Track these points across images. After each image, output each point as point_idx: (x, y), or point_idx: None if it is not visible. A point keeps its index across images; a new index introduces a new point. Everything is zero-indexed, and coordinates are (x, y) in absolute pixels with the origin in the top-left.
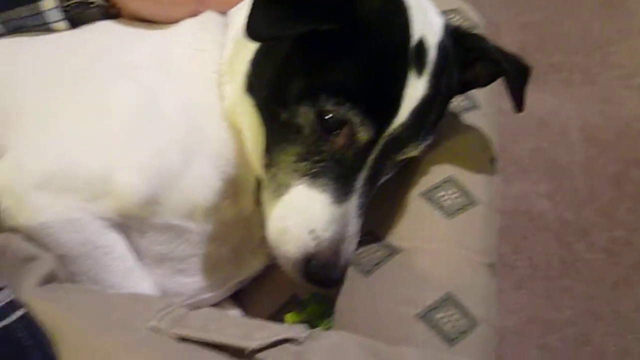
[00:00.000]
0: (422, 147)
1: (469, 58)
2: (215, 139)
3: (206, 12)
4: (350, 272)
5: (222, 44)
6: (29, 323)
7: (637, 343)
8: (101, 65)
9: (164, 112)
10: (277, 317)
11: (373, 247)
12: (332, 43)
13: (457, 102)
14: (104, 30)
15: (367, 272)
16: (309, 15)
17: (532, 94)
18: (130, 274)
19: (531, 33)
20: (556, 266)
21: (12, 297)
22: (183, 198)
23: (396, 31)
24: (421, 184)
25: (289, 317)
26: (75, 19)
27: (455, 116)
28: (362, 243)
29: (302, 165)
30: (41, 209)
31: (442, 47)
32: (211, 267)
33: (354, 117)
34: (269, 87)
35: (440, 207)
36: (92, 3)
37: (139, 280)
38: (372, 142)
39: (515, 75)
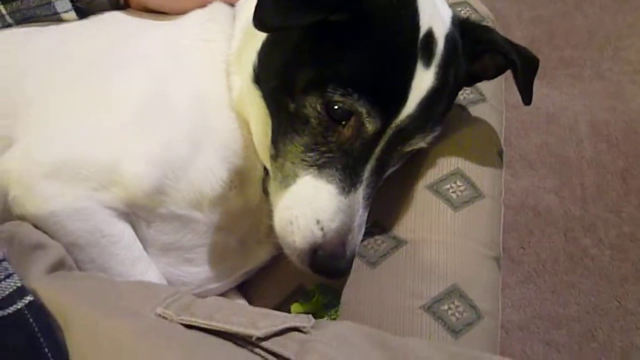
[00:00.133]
0: (429, 138)
1: (477, 50)
2: (223, 130)
3: (214, 3)
4: (356, 263)
5: (230, 35)
6: (37, 309)
7: None
8: (110, 56)
9: (172, 103)
10: (283, 307)
11: (379, 238)
12: (340, 34)
13: (464, 95)
14: (112, 21)
15: (373, 264)
16: (317, 5)
17: (541, 88)
18: (137, 262)
19: (541, 27)
20: (563, 262)
21: (20, 283)
22: (190, 188)
23: (404, 22)
24: (428, 176)
25: (294, 307)
26: (84, 9)
27: (462, 109)
28: (368, 234)
29: (309, 155)
30: (50, 198)
31: (450, 39)
32: (218, 257)
33: (361, 108)
34: (277, 77)
35: (447, 200)
36: None
37: (146, 269)
38: (379, 133)
39: (524, 67)
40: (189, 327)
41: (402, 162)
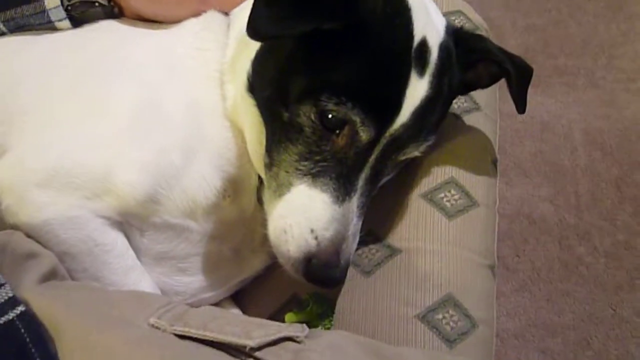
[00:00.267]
0: (423, 147)
1: (471, 59)
2: (216, 138)
3: (209, 12)
4: (351, 272)
5: (224, 44)
6: (29, 319)
7: (639, 347)
8: (103, 64)
9: (165, 111)
10: (277, 316)
11: (374, 247)
12: (334, 42)
13: (458, 104)
14: (106, 30)
15: (368, 273)
16: (311, 14)
17: (535, 97)
18: (130, 272)
19: (535, 36)
20: (557, 270)
21: (12, 293)
22: (184, 197)
23: (398, 31)
24: (422, 185)
25: (288, 316)
26: (78, 17)
27: (456, 117)
28: (362, 243)
29: (304, 164)
30: (42, 207)
31: (444, 48)
32: (212, 266)
33: (355, 117)
34: (271, 86)
35: (441, 209)
36: (95, 2)
37: (139, 278)
38: (373, 142)
39: (518, 76)
40: (182, 337)
41: (397, 171)
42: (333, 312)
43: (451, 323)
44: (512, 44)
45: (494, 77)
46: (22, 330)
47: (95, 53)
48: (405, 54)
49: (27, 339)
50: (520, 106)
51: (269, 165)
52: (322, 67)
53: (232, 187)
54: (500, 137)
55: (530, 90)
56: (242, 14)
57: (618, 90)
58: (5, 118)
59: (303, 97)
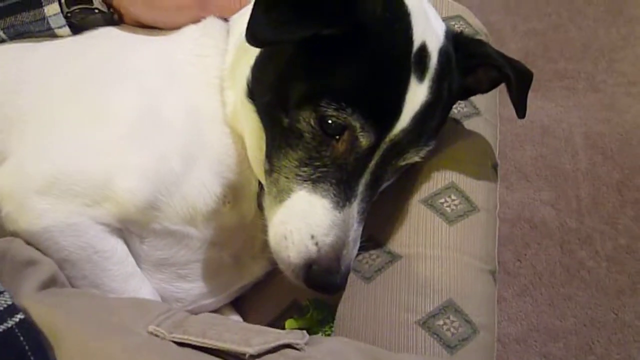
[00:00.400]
0: (423, 152)
1: (471, 64)
2: (216, 145)
3: (208, 18)
4: (351, 278)
5: (224, 50)
6: (28, 327)
7: None
8: (103, 71)
9: (165, 118)
10: (277, 323)
11: (374, 253)
12: (334, 48)
13: (458, 109)
14: (106, 37)
15: (368, 279)
16: (310, 20)
17: (536, 101)
18: (130, 278)
19: (535, 40)
20: (559, 274)
21: (11, 301)
22: (183, 203)
23: (397, 37)
24: (422, 190)
25: (289, 323)
26: (78, 24)
27: (456, 122)
28: (363, 249)
29: (304, 170)
30: (42, 214)
31: (443, 53)
32: (212, 272)
33: (355, 122)
34: (271, 92)
35: (442, 214)
36: (94, 9)
37: (139, 285)
38: (373, 148)
39: (518, 81)
40: (182, 344)
41: (397, 176)
42: (333, 319)
43: (452, 329)
44: (512, 48)
45: (493, 82)
46: (21, 338)
47: (95, 60)
48: (404, 59)
49: (26, 347)
50: (520, 111)
51: (269, 171)
52: (322, 73)
53: (232, 193)
54: (500, 141)
55: (530, 95)
56: (242, 20)
57: (618, 94)
58: (5, 125)
59: (303, 102)
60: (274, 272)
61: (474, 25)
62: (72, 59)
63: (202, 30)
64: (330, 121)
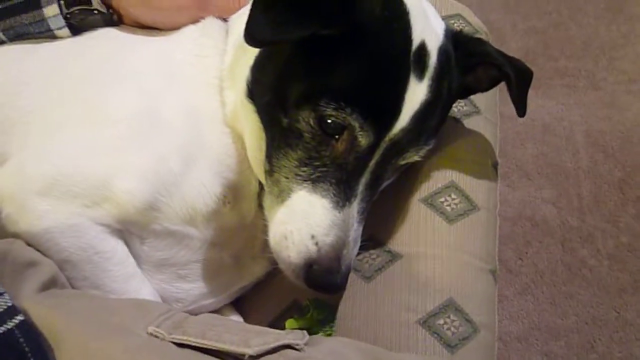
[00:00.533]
0: (423, 151)
1: (471, 62)
2: (216, 145)
3: (207, 19)
4: (352, 278)
5: (223, 50)
6: (28, 329)
7: None
8: (103, 72)
9: (165, 118)
10: (278, 323)
11: (374, 252)
12: (332, 47)
13: (458, 107)
14: (105, 38)
15: (368, 278)
16: (308, 20)
17: (536, 99)
18: (130, 279)
19: (535, 38)
20: (561, 272)
21: (11, 303)
22: (183, 204)
23: (396, 35)
24: (422, 189)
25: (289, 323)
26: (78, 25)
27: (456, 121)
28: (363, 248)
29: (303, 170)
30: (42, 215)
31: (443, 52)
32: (212, 273)
33: (354, 122)
34: (270, 92)
35: (442, 213)
36: (94, 10)
37: (140, 285)
38: (372, 147)
39: (518, 79)
40: (181, 345)
41: (397, 175)
42: (334, 318)
43: (452, 328)
44: (512, 47)
45: (493, 81)
46: (21, 340)
47: (94, 61)
48: (404, 58)
49: (26, 349)
50: (521, 109)
51: (269, 171)
52: (321, 72)
53: (232, 193)
54: (501, 139)
55: (531, 93)
56: (241, 20)
57: (619, 92)
58: (6, 126)
59: (302, 102)
60: (274, 272)
61: (474, 23)
62: (72, 60)
63: (202, 30)
64: (329, 121)
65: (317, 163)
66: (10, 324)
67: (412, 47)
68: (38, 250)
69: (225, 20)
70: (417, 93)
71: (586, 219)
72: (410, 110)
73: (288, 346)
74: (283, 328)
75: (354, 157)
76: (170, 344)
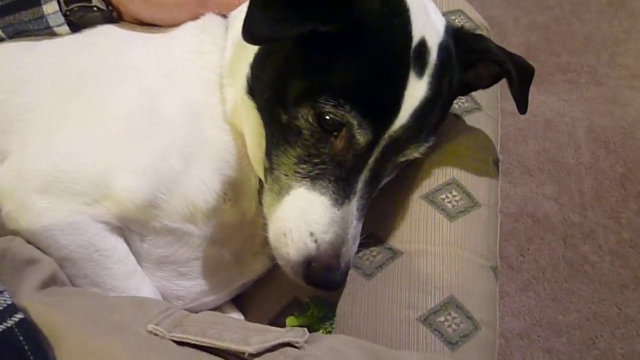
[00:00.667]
0: (423, 148)
1: (472, 59)
2: (216, 142)
3: (207, 15)
4: (352, 275)
5: (223, 47)
6: (27, 327)
7: None
8: (102, 69)
9: (164, 115)
10: (279, 320)
11: (375, 249)
12: (332, 44)
13: (459, 104)
14: (105, 35)
15: (369, 275)
16: (307, 16)
17: (538, 95)
18: (130, 277)
19: (537, 34)
20: (562, 269)
21: (10, 301)
22: (183, 201)
23: (396, 32)
24: (423, 186)
25: (289, 320)
26: (77, 22)
27: (457, 117)
28: (363, 246)
29: (302, 167)
30: (42, 213)
31: (443, 48)
32: (212, 270)
33: (352, 120)
34: (270, 89)
35: (443, 210)
36: (93, 7)
37: (140, 283)
38: (371, 145)
39: (519, 76)
40: (181, 343)
41: (397, 172)
42: (334, 315)
43: (453, 325)
44: (514, 42)
45: (494, 78)
46: (21, 338)
47: (94, 58)
48: (403, 54)
49: (26, 347)
50: (522, 106)
51: (269, 168)
52: (320, 69)
53: (233, 190)
54: (503, 135)
55: (533, 89)
56: (241, 16)
57: (621, 88)
58: (5, 124)
59: (301, 99)
60: (274, 269)
61: (475, 19)
62: (71, 57)
63: (201, 27)
64: (328, 118)
65: (316, 160)
66: (9, 322)
67: (412, 44)
68: (38, 248)
69: (225, 16)
70: (417, 90)
71: (588, 215)
72: (409, 108)
73: (288, 344)
74: (283, 325)
75: (353, 154)
76: (170, 342)
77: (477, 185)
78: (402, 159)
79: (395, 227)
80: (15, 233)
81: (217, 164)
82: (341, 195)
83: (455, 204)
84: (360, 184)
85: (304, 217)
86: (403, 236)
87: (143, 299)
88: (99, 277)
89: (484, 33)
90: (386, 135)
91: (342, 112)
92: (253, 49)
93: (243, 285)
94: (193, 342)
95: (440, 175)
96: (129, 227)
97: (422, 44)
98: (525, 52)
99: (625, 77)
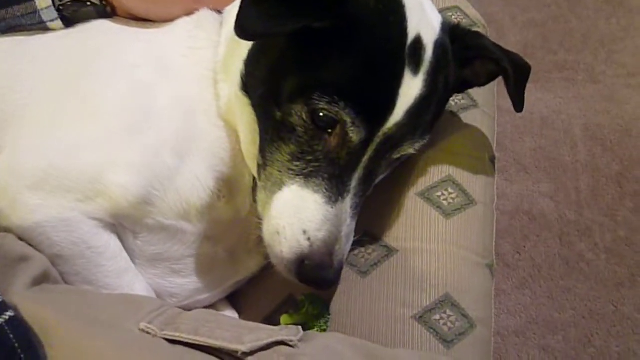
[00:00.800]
0: (418, 145)
1: (468, 56)
2: (210, 138)
3: (202, 10)
4: (347, 273)
5: (217, 42)
6: (17, 325)
7: None
8: (95, 65)
9: (158, 112)
10: (273, 317)
11: (370, 247)
12: (326, 40)
13: (455, 101)
14: (99, 30)
15: (364, 273)
16: (300, 12)
17: (535, 92)
18: (123, 274)
19: (534, 31)
20: (558, 266)
21: (1, 299)
22: (177, 198)
23: (391, 29)
24: (419, 183)
25: (284, 318)
26: (70, 17)
27: (453, 115)
28: (359, 243)
29: (296, 164)
30: (34, 209)
31: (439, 45)
32: (206, 267)
33: (346, 117)
34: (263, 85)
35: (439, 207)
36: (87, 2)
37: (133, 280)
38: (365, 142)
39: (515, 74)
40: (174, 342)
41: (391, 170)
42: (329, 313)
43: (449, 323)
44: (511, 40)
45: (491, 75)
46: (11, 336)
47: (87, 54)
48: (398, 51)
49: (16, 345)
50: (518, 105)
51: (262, 165)
52: (314, 66)
53: (227, 187)
54: (499, 133)
55: (530, 86)
56: (235, 12)
57: (618, 86)
58: None
59: (295, 96)
60: (269, 266)
61: (472, 16)
62: (65, 53)
63: (196, 22)
64: (321, 114)
65: (309, 157)
66: (0, 320)
67: (408, 41)
68: (30, 245)
69: (219, 12)
70: (412, 88)
71: (584, 212)
72: (404, 105)
73: (281, 342)
74: (278, 323)
75: (347, 152)
76: (162, 340)
77: (473, 182)
78: (397, 156)
79: (390, 224)
80: (7, 230)
81: (211, 161)
82: (335, 193)
83: (451, 202)
84: (354, 182)
85: (297, 215)
86: (398, 234)
87: (135, 297)
88: (91, 274)
89: (480, 30)
90: (380, 133)
91: (336, 109)
92: (247, 45)
93: (237, 282)
94: (185, 340)
95: (436, 173)
96: (122, 224)
97: (418, 41)
98: (522, 50)
99: (622, 75)
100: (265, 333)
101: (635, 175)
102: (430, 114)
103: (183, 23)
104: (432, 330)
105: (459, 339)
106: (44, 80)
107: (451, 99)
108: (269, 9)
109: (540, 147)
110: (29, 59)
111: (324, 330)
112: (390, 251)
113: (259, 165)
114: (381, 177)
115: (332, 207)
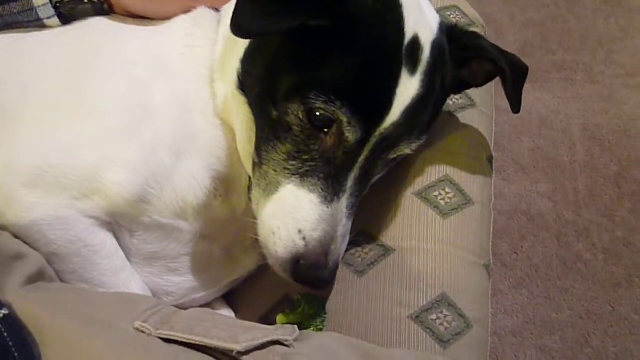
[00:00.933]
0: (415, 145)
1: (466, 56)
2: (206, 137)
3: (199, 8)
4: (344, 272)
5: (214, 40)
6: (12, 323)
7: (638, 344)
8: (93, 62)
9: (155, 110)
10: (269, 317)
11: (367, 246)
12: (323, 39)
13: (453, 100)
14: (95, 28)
15: (361, 273)
16: (297, 11)
17: (534, 92)
18: (119, 272)
19: (533, 31)
20: (556, 267)
21: None
22: (174, 196)
23: (388, 28)
24: (416, 183)
25: (280, 318)
26: (67, 14)
27: (451, 114)
28: (355, 243)
29: (292, 164)
30: (30, 207)
31: (436, 45)
32: (203, 266)
33: (342, 116)
34: (260, 84)
35: (436, 207)
36: None
37: (129, 279)
38: (362, 142)
39: (513, 75)
40: (168, 341)
41: (388, 169)
42: (325, 313)
43: (445, 323)
44: (510, 40)
45: (488, 76)
46: (5, 334)
47: (84, 51)
48: (395, 51)
49: (10, 343)
50: (515, 106)
51: (258, 164)
52: (311, 65)
53: (223, 186)
54: (497, 133)
55: (528, 86)
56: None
57: (617, 86)
58: None
59: (291, 95)
60: (265, 266)
61: (470, 15)
62: (62, 50)
63: (193, 20)
64: (318, 114)
65: (305, 157)
66: None
67: (405, 41)
68: (25, 243)
69: (217, 10)
70: (408, 88)
71: (582, 213)
72: (401, 105)
73: (277, 342)
74: (274, 322)
75: (343, 151)
76: (157, 339)
77: (471, 182)
78: (393, 156)
79: (387, 224)
80: (2, 228)
81: (207, 159)
82: (330, 192)
83: (448, 201)
84: (350, 182)
85: (292, 214)
86: (395, 233)
87: (131, 295)
88: (87, 272)
89: (479, 29)
90: (377, 133)
91: (333, 108)
92: (244, 43)
93: (234, 281)
94: (180, 339)
95: (433, 172)
96: (119, 223)
97: (415, 41)
98: (521, 50)
99: (620, 75)
100: (261, 332)
101: (634, 175)
102: (427, 114)
103: (180, 21)
104: (428, 330)
105: (456, 339)
106: (40, 77)
107: (449, 98)
108: (265, 7)
109: (539, 147)
110: (25, 56)
111: (320, 330)
112: (387, 251)
113: (254, 164)
114: (378, 177)
115: (327, 207)
